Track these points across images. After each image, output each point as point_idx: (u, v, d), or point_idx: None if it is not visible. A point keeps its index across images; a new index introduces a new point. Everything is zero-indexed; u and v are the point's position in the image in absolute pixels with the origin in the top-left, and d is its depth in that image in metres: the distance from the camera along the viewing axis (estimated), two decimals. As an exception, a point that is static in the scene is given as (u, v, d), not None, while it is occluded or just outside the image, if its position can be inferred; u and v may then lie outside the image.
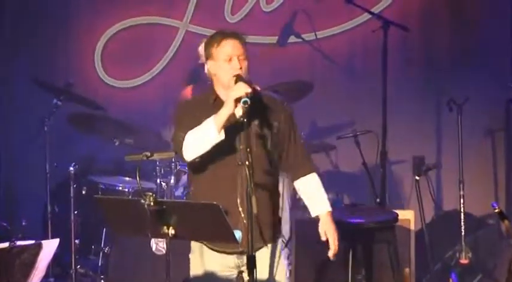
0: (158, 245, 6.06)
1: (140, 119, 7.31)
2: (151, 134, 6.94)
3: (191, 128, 4.30)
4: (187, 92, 6.53)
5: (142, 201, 3.96)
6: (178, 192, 6.47)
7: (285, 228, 6.03)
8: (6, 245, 3.92)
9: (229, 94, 4.24)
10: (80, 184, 6.75)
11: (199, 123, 4.28)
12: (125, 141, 6.85)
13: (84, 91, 7.28)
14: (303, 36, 7.67)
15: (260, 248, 4.34)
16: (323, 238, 4.48)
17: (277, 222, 4.45)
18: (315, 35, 7.61)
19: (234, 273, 4.37)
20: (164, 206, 3.99)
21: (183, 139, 4.31)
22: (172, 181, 6.48)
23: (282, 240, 4.53)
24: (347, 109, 7.57)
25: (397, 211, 6.19)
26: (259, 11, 7.77)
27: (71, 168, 6.58)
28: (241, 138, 4.26)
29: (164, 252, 5.81)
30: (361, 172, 6.72)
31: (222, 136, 4.24)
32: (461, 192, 6.74)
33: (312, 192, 4.51)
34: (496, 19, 7.49)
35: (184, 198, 6.22)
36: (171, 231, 4.02)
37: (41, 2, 8.02)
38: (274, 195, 4.45)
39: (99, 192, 6.68)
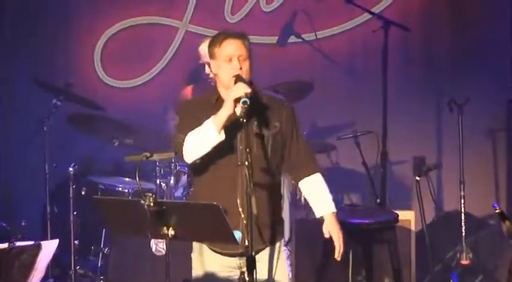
0: (158, 246, 6.05)
1: (140, 119, 7.30)
2: (151, 134, 6.93)
3: (191, 129, 4.29)
4: (188, 92, 6.51)
5: (142, 201, 3.96)
6: (178, 192, 6.46)
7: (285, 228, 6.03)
8: (5, 245, 3.92)
9: (228, 94, 4.25)
10: (79, 185, 6.74)
11: (200, 124, 4.27)
12: (125, 141, 6.83)
13: (83, 91, 7.26)
14: (303, 36, 7.66)
15: (261, 249, 4.34)
16: (326, 236, 4.46)
17: (277, 223, 4.44)
18: (315, 35, 7.61)
19: (234, 274, 4.37)
20: (164, 207, 3.98)
21: (183, 141, 4.31)
22: (172, 182, 6.47)
23: (283, 241, 4.52)
24: (347, 109, 7.56)
25: (397, 211, 6.19)
26: (259, 11, 7.75)
27: (71, 169, 6.58)
28: (241, 139, 4.25)
29: (164, 252, 5.79)
30: (362, 172, 6.72)
31: (222, 137, 4.24)
32: (462, 193, 6.74)
33: (316, 193, 4.50)
34: (496, 19, 7.49)
35: (184, 198, 6.22)
36: (171, 231, 4.02)
37: (40, 2, 8.01)
38: (274, 195, 4.43)
39: (99, 193, 6.67)
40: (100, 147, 7.35)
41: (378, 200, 6.57)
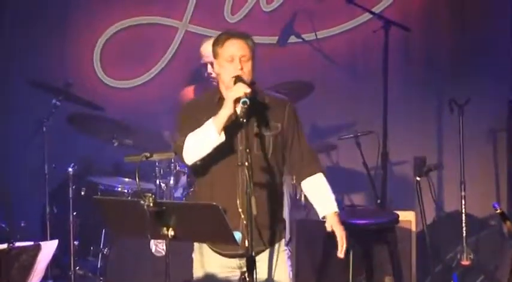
0: (158, 247, 6.04)
1: (139, 119, 7.29)
2: (150, 134, 6.92)
3: (192, 131, 4.29)
4: (189, 92, 6.48)
5: (142, 202, 3.95)
6: (178, 193, 6.44)
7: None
8: (4, 246, 3.92)
9: (228, 95, 4.25)
10: (78, 185, 6.74)
11: (200, 125, 4.27)
12: (124, 141, 6.82)
13: (83, 91, 7.25)
14: (303, 36, 7.65)
15: (261, 251, 4.32)
16: (329, 229, 4.43)
17: (277, 224, 4.42)
18: (315, 35, 7.59)
19: (235, 274, 4.37)
20: (164, 207, 3.98)
21: (183, 143, 4.30)
22: (171, 182, 6.46)
23: (284, 241, 4.51)
24: (348, 109, 7.55)
25: (398, 212, 6.18)
26: (259, 10, 7.74)
27: (70, 169, 6.58)
28: (241, 139, 4.24)
29: (164, 253, 5.78)
30: (362, 173, 6.71)
31: (222, 138, 4.24)
32: (463, 193, 6.73)
33: (319, 193, 4.48)
34: (496, 19, 7.48)
35: (184, 199, 6.21)
36: (171, 232, 4.01)
37: (40, 2, 8.00)
38: (275, 196, 4.42)
39: (98, 193, 6.66)
40: (100, 147, 7.33)
41: (379, 201, 6.56)
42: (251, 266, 4.01)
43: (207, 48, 5.86)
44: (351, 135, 6.69)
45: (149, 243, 6.06)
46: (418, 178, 6.45)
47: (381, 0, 7.56)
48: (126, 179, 6.89)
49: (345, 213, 5.87)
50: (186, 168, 6.16)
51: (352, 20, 7.60)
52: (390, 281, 6.18)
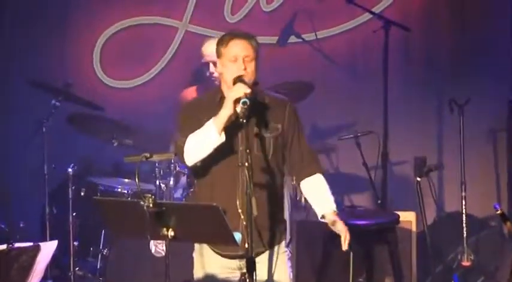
0: (157, 247, 6.03)
1: (139, 119, 7.29)
2: (150, 134, 6.91)
3: (193, 132, 4.28)
4: (191, 92, 6.47)
5: (142, 202, 3.95)
6: (178, 193, 6.44)
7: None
8: (4, 247, 3.91)
9: (228, 95, 4.24)
10: (78, 185, 6.73)
11: (202, 125, 4.27)
12: (124, 142, 6.82)
13: (83, 91, 7.24)
14: (303, 36, 7.64)
15: (261, 252, 4.31)
16: (330, 225, 4.40)
17: (277, 225, 4.41)
18: (315, 35, 7.59)
19: (235, 275, 4.36)
20: (163, 208, 3.98)
21: (184, 143, 4.29)
22: (171, 182, 6.45)
23: (284, 242, 4.50)
24: (348, 110, 7.54)
25: (398, 212, 6.18)
26: (259, 10, 7.73)
27: (70, 170, 6.57)
28: (241, 139, 4.23)
29: (163, 254, 5.77)
30: (362, 173, 6.70)
31: (222, 139, 4.24)
32: (463, 194, 6.72)
33: (318, 193, 4.46)
34: (496, 19, 7.47)
35: (184, 199, 6.20)
36: (171, 233, 4.01)
37: (40, 2, 7.99)
38: (274, 197, 4.40)
39: (98, 194, 6.65)
40: (99, 147, 7.33)
41: (379, 201, 6.56)
42: (251, 267, 4.00)
43: (208, 47, 5.86)
44: (351, 136, 6.69)
45: (149, 243, 6.05)
46: (418, 178, 6.44)
47: (381, 0, 7.55)
48: (126, 180, 6.88)
49: (345, 214, 5.86)
50: (186, 169, 6.15)
51: (352, 20, 7.59)
52: (390, 281, 6.18)
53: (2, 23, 8.02)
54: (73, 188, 6.57)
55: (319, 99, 7.19)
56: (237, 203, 4.16)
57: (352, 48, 7.66)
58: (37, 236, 6.77)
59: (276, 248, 4.41)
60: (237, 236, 4.07)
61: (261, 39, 7.45)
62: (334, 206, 4.45)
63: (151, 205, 3.93)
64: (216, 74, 5.69)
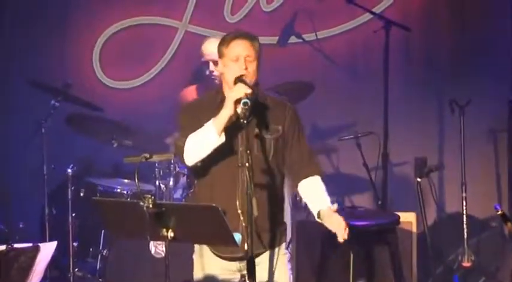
0: (157, 248, 6.03)
1: (139, 120, 7.28)
2: (150, 135, 6.90)
3: (193, 132, 4.27)
4: (191, 92, 6.45)
5: (141, 203, 3.95)
6: (177, 194, 6.43)
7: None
8: (3, 247, 3.91)
9: (228, 95, 4.24)
10: (77, 186, 6.72)
11: (202, 126, 4.26)
12: (124, 142, 6.81)
13: (82, 92, 7.24)
14: (304, 36, 7.63)
15: (260, 253, 4.30)
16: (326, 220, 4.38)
17: (277, 226, 4.40)
18: (316, 35, 7.58)
19: (235, 277, 4.35)
20: (163, 208, 3.97)
21: (184, 144, 4.28)
22: (171, 183, 6.45)
23: (285, 244, 4.48)
24: (348, 110, 7.53)
25: (398, 213, 6.17)
26: (259, 10, 7.73)
27: (69, 170, 6.56)
28: (242, 140, 4.23)
29: (163, 255, 5.76)
30: (363, 174, 6.69)
31: (222, 139, 4.24)
32: (464, 194, 6.72)
33: (314, 194, 4.44)
34: (496, 19, 7.47)
35: (183, 200, 6.19)
36: (170, 233, 4.00)
37: (40, 2, 7.98)
38: (275, 198, 4.39)
39: (98, 195, 6.65)
40: (99, 148, 7.32)
41: (379, 202, 6.55)
42: (251, 268, 3.99)
43: (208, 46, 5.86)
44: (351, 136, 6.68)
45: (149, 244, 6.04)
46: (418, 179, 6.44)
47: (381, 0, 7.55)
48: (126, 180, 6.87)
49: (346, 215, 5.83)
50: (186, 169, 6.15)
51: (352, 20, 7.58)
52: None
53: (2, 23, 8.02)
54: (72, 188, 6.56)
55: (319, 100, 7.18)
56: (237, 203, 4.15)
57: (353, 48, 7.66)
58: (36, 236, 6.77)
59: (276, 249, 4.39)
60: (237, 236, 4.06)
61: (261, 40, 7.41)
62: (330, 204, 4.42)
63: (150, 206, 3.93)
64: (216, 73, 5.68)
